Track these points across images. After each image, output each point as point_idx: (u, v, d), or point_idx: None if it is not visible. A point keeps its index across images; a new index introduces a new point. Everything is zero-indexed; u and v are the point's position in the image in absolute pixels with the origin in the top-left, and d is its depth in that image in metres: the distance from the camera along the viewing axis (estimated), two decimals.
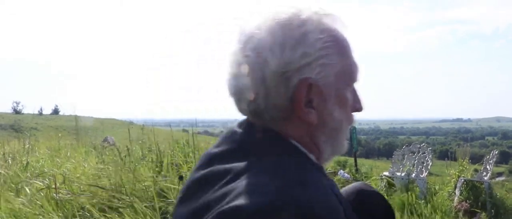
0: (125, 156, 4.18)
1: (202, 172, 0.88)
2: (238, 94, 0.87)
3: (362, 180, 5.88)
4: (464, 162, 6.79)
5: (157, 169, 4.05)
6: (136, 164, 4.04)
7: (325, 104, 0.86)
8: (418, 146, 6.43)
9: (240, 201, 0.72)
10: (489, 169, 6.32)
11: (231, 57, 0.87)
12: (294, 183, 0.74)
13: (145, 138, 6.41)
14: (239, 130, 0.90)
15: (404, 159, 6.35)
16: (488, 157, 6.52)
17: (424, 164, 6.16)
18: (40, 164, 4.03)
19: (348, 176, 6.39)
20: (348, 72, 0.89)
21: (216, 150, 0.89)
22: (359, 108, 0.94)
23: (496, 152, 6.86)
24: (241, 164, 0.81)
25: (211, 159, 0.88)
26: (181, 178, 2.88)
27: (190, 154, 5.23)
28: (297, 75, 0.82)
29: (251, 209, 0.69)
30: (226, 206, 0.73)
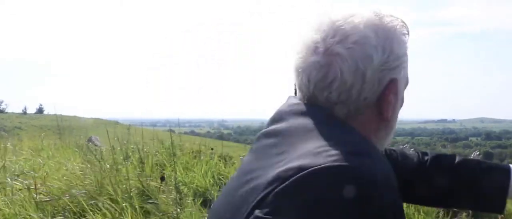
0: (107, 156, 4.17)
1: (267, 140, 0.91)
2: (326, 82, 0.89)
3: None
4: None
5: (140, 169, 4.04)
6: (119, 165, 4.02)
7: (396, 104, 0.96)
8: (401, 146, 6.48)
9: (305, 160, 0.76)
10: None
11: (320, 45, 0.90)
12: (363, 154, 0.79)
13: (130, 138, 6.38)
14: (307, 109, 0.92)
15: None
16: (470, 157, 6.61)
17: None
18: (18, 165, 3.99)
19: None
20: (407, 79, 1.00)
21: (283, 125, 0.91)
22: None
23: (478, 153, 6.91)
24: (309, 136, 0.85)
25: (277, 134, 0.90)
26: (162, 178, 2.87)
27: (173, 154, 5.22)
28: (389, 74, 0.91)
29: (316, 168, 0.73)
30: (289, 165, 0.76)
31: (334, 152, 0.76)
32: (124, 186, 3.00)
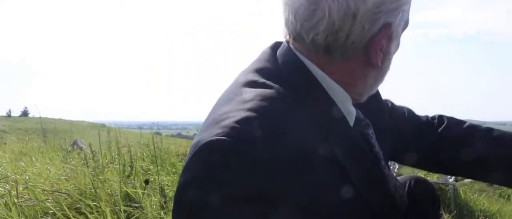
0: (92, 159, 4.14)
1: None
2: (313, 22, 0.82)
3: None
4: None
5: (126, 173, 4.02)
6: (104, 168, 4.00)
7: (390, 50, 0.89)
8: None
9: (201, 134, 0.76)
10: None
11: None
12: (255, 120, 0.75)
13: (115, 140, 6.34)
14: (266, 56, 0.91)
15: None
16: None
17: (391, 167, 6.23)
18: (1, 168, 3.95)
19: None
20: (407, 21, 0.91)
21: (250, 74, 0.89)
22: None
23: None
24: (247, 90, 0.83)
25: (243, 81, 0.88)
26: (146, 182, 2.87)
27: (159, 158, 5.21)
28: (384, 17, 0.82)
29: (204, 143, 0.74)
30: (196, 138, 0.78)
31: (225, 122, 0.75)
32: (108, 190, 2.98)
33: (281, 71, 0.87)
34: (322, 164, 0.78)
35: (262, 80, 0.85)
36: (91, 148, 4.13)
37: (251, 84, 0.85)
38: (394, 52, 0.92)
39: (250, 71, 0.90)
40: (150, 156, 5.55)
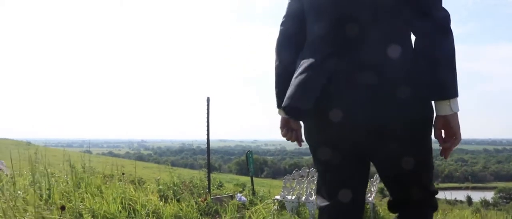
0: (9, 184, 4.01)
1: None
2: None
3: (258, 203, 6.08)
4: None
5: (44, 197, 3.92)
6: (22, 193, 3.88)
7: None
8: (307, 170, 6.67)
9: None
10: (373, 190, 6.80)
11: None
12: None
13: (40, 160, 6.13)
14: None
15: (294, 182, 6.54)
16: (372, 179, 6.97)
17: (314, 188, 6.40)
18: None
19: (245, 199, 6.55)
20: None
21: None
22: None
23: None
24: None
25: None
26: (63, 208, 2.84)
27: (83, 180, 5.10)
28: None
29: None
30: None
31: None
32: (23, 217, 2.93)
33: None
34: None
35: None
36: (8, 174, 3.98)
37: None
38: None
39: None
40: (73, 179, 5.43)
